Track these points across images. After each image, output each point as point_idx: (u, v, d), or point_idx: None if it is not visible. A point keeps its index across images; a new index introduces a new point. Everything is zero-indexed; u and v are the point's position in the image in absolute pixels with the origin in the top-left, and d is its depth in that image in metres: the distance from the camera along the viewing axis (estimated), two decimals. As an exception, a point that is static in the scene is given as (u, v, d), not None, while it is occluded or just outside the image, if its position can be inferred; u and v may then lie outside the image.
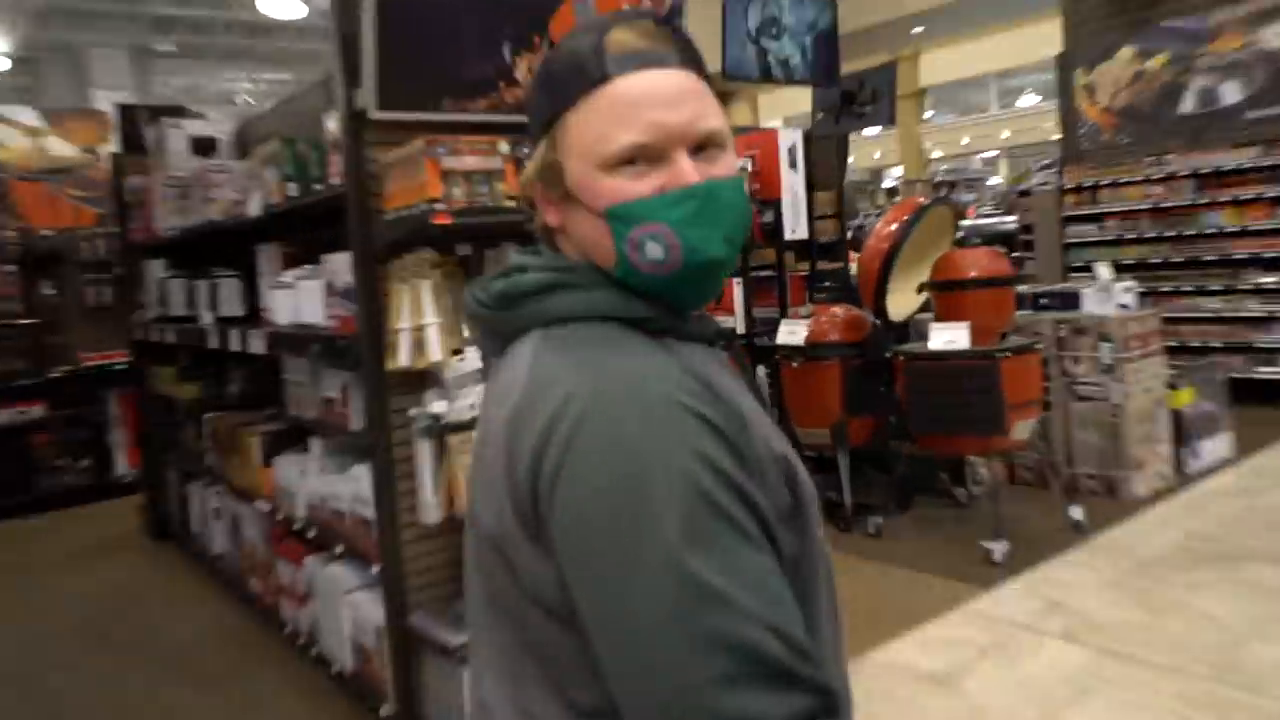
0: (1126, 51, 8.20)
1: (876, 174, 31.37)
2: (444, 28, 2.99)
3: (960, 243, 4.98)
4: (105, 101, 15.65)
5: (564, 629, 0.89)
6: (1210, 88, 7.77)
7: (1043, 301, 6.05)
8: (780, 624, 0.80)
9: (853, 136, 26.79)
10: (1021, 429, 4.80)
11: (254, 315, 4.39)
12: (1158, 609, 3.96)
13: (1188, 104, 7.89)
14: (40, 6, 14.34)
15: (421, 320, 2.86)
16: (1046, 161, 8.91)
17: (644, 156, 0.94)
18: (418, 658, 3.13)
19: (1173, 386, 5.82)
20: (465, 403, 2.95)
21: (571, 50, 0.99)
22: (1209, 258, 7.79)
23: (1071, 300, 5.87)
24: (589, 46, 0.96)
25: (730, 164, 1.00)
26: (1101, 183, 8.25)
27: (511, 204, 2.84)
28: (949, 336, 4.75)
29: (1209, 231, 7.76)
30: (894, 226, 5.03)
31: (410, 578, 3.05)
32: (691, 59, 0.99)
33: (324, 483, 3.70)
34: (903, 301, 5.19)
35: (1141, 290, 8.30)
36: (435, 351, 2.86)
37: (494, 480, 0.94)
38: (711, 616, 0.78)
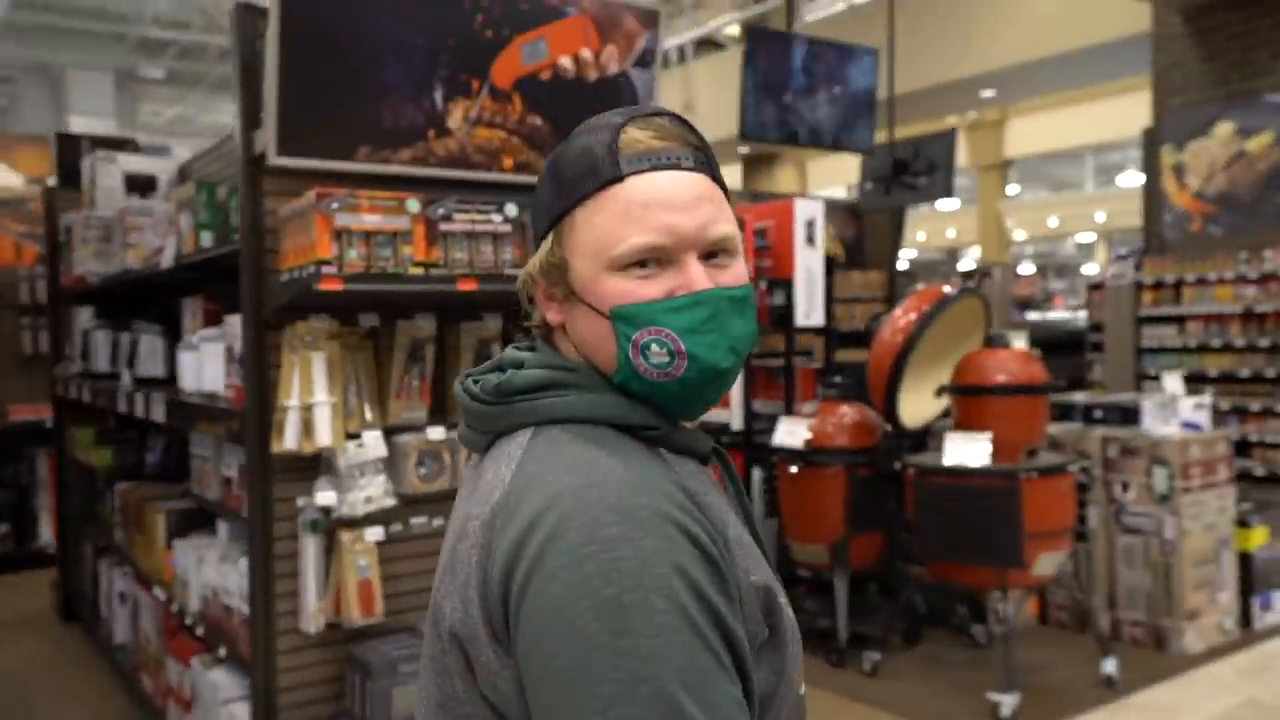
0: (1225, 128, 8.19)
1: (952, 254, 31.37)
2: (364, 65, 2.97)
3: (996, 340, 4.94)
4: (81, 128, 16.17)
5: None
6: (1315, 177, 7.75)
7: (1095, 414, 6.00)
8: None
9: (926, 210, 26.96)
10: (1046, 563, 4.73)
11: (173, 377, 4.44)
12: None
13: (1290, 194, 7.88)
14: (18, 19, 14.73)
15: (310, 399, 2.86)
16: (1124, 251, 8.88)
17: (655, 259, 1.00)
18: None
19: (1243, 524, 5.71)
20: (361, 495, 2.95)
21: (585, 147, 1.05)
22: None
23: (1131, 415, 5.81)
24: (603, 144, 1.03)
25: (740, 272, 1.06)
26: (1186, 279, 8.20)
27: (419, 271, 2.83)
28: (967, 450, 4.73)
29: (1307, 343, 7.67)
30: (911, 318, 5.03)
31: (282, 694, 3.03)
32: (707, 161, 1.07)
33: (218, 573, 3.70)
34: (920, 405, 5.16)
35: (1223, 408, 8.22)
36: (324, 435, 2.86)
37: (466, 577, 0.98)
38: None
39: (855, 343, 8.72)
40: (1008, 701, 4.55)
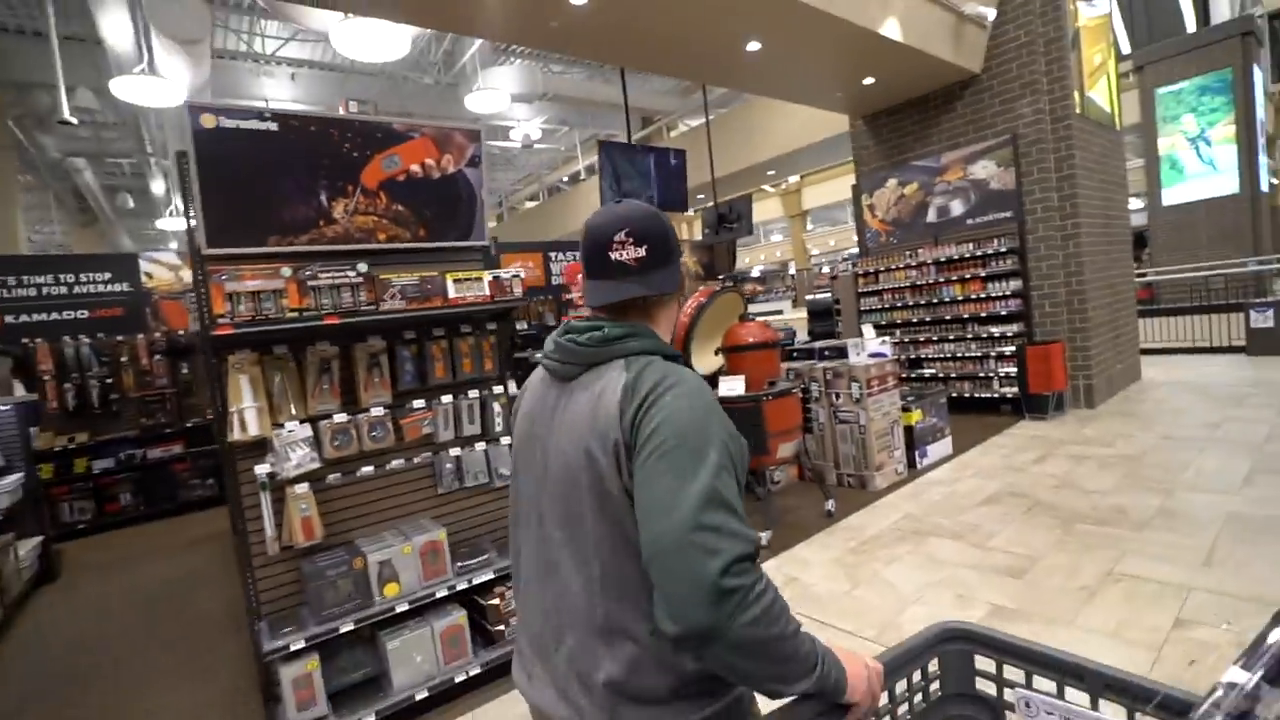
0: (892, 182, 7.74)
1: (784, 265, 30.88)
2: (264, 183, 2.48)
3: (746, 318, 4.49)
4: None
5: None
6: (944, 205, 7.28)
7: (825, 354, 5.57)
8: (741, 514, 0.89)
9: (767, 242, 26.21)
10: (786, 448, 4.30)
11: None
12: (858, 580, 3.45)
13: (931, 215, 7.41)
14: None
15: (241, 404, 2.38)
16: (847, 255, 8.43)
17: None
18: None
19: (906, 409, 5.30)
20: (291, 463, 2.50)
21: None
22: (947, 317, 7.25)
23: (842, 353, 5.39)
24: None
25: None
26: (880, 269, 7.76)
27: (294, 314, 2.34)
28: (731, 385, 4.28)
29: (946, 300, 7.24)
30: (693, 307, 4.58)
31: (261, 591, 2.59)
32: None
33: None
34: (709, 361, 4.75)
35: (905, 342, 7.84)
36: (254, 428, 2.38)
37: (606, 426, 0.95)
38: (716, 505, 0.86)
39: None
40: (765, 536, 4.15)
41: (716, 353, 4.58)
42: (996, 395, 6.81)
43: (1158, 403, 6.53)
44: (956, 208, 7.14)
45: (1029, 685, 0.94)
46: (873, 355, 5.56)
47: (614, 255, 1.02)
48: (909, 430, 5.25)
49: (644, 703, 0.93)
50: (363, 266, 2.53)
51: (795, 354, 5.77)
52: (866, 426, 4.89)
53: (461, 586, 2.83)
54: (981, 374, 6.94)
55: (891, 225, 7.79)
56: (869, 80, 6.66)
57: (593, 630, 0.96)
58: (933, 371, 7.32)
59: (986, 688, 1.02)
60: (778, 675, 0.87)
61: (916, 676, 1.03)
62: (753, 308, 20.95)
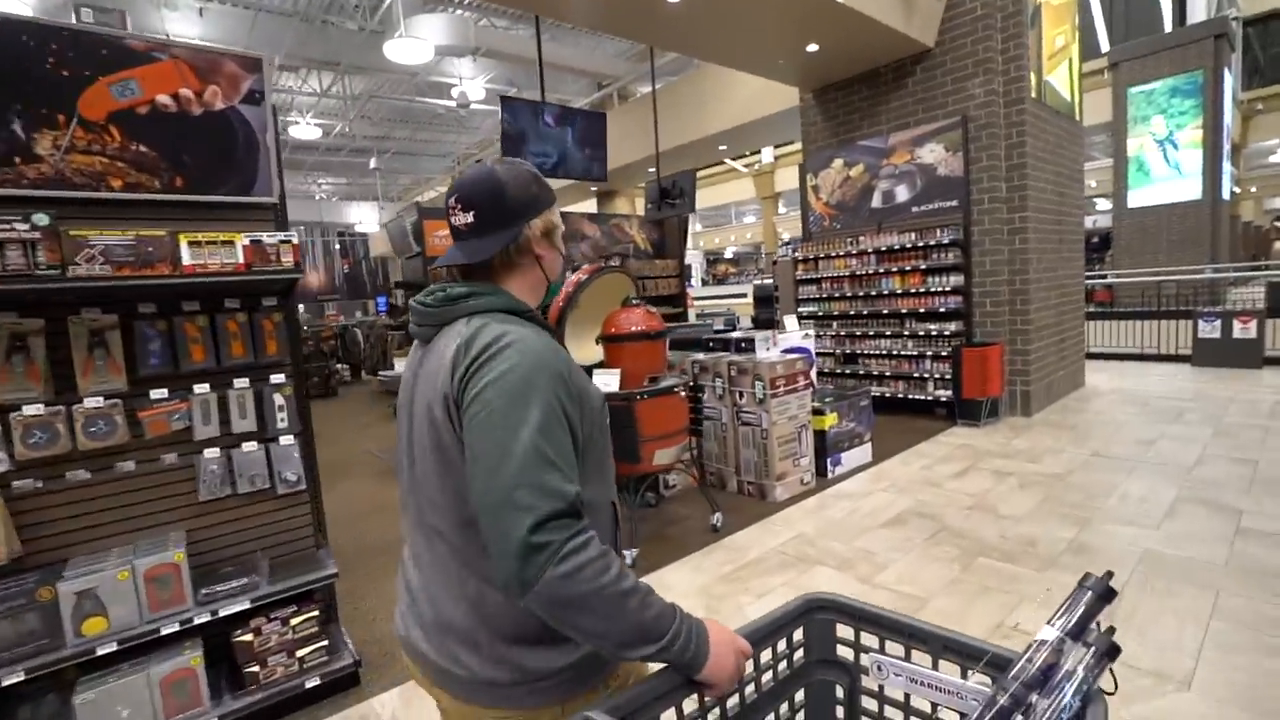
0: (838, 163, 7.21)
1: (757, 247, 30.41)
2: None
3: (628, 301, 3.92)
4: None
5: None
6: (890, 190, 6.78)
7: (741, 345, 5.05)
8: (566, 471, 0.89)
9: (740, 224, 25.73)
10: (664, 455, 3.79)
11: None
12: (718, 613, 2.96)
13: (876, 200, 6.90)
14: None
15: None
16: (786, 239, 7.89)
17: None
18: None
19: (819, 412, 4.83)
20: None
21: (535, 172, 1.11)
22: (884, 312, 6.73)
23: (750, 346, 4.88)
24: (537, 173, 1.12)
25: None
26: (820, 256, 7.25)
27: None
28: (606, 380, 3.75)
29: (885, 293, 6.74)
30: (571, 285, 4.01)
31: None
32: None
33: None
34: (589, 350, 4.20)
35: (839, 334, 7.38)
36: None
37: (439, 381, 0.97)
38: (537, 463, 0.87)
39: (661, 303, 8.63)
40: (629, 554, 3.65)
41: (597, 341, 4.02)
42: (930, 398, 6.39)
43: (1096, 414, 6.16)
44: (902, 193, 6.65)
45: (882, 649, 1.03)
46: (791, 350, 5.06)
47: (452, 219, 1.07)
48: (821, 436, 4.78)
49: (519, 644, 0.98)
50: (42, 218, 1.91)
51: (711, 344, 5.25)
52: (769, 431, 4.40)
53: (202, 619, 2.27)
54: (916, 374, 6.51)
55: (835, 209, 7.28)
56: (813, 47, 6.08)
57: (456, 586, 1.01)
58: (867, 369, 6.87)
59: (846, 654, 1.10)
60: (609, 635, 0.88)
61: (782, 645, 1.09)
62: (719, 289, 20.31)
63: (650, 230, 9.93)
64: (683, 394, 3.83)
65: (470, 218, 1.04)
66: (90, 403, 2.22)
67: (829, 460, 4.81)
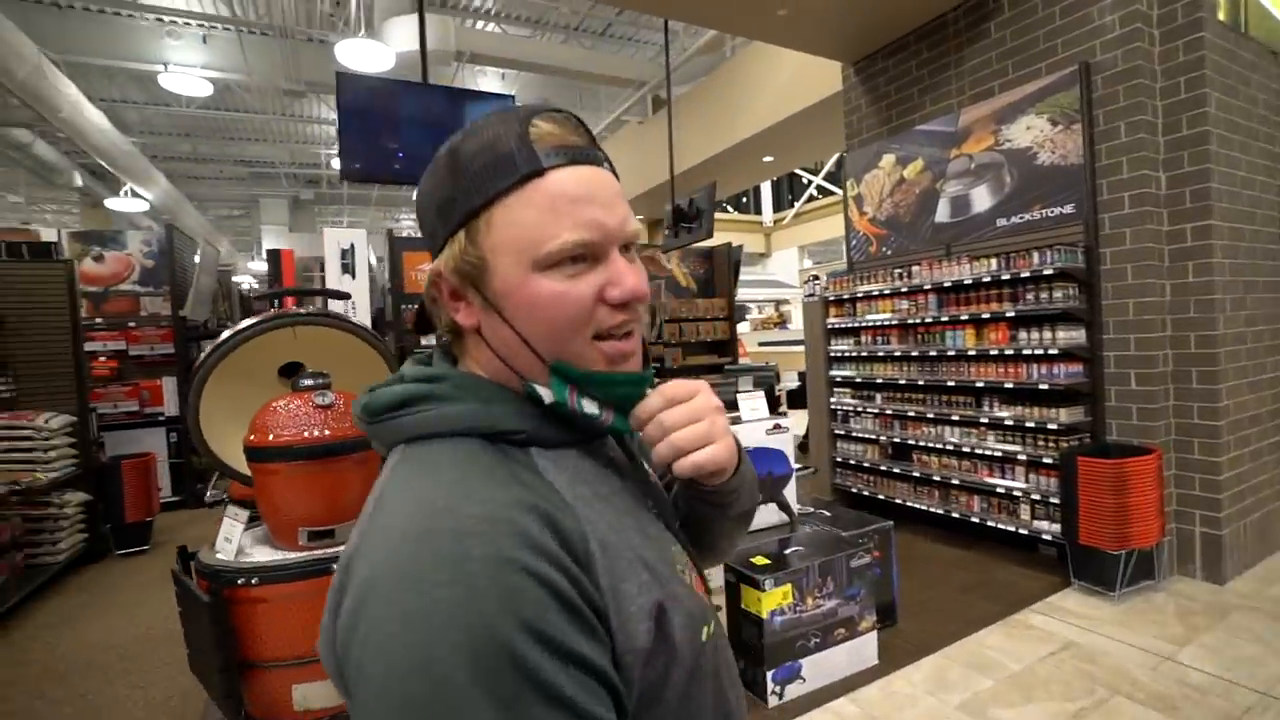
0: (888, 159, 4.86)
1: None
2: None
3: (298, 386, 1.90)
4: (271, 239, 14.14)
5: None
6: (962, 195, 4.33)
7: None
8: None
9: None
10: (304, 694, 1.71)
11: None
12: None
13: (941, 212, 4.46)
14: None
15: None
16: (816, 272, 5.52)
17: (583, 255, 0.53)
18: None
19: (749, 582, 2.49)
20: None
21: (493, 138, 0.53)
22: (950, 383, 4.16)
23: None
24: (513, 135, 0.53)
25: (641, 266, 0.57)
26: (857, 296, 4.86)
27: None
28: (227, 532, 1.74)
29: (950, 352, 4.20)
30: (223, 338, 2.06)
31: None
32: (608, 159, 0.57)
33: None
34: (243, 464, 2.23)
35: (884, 413, 4.87)
36: None
37: (331, 617, 0.51)
38: None
39: (706, 351, 7.43)
40: None
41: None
42: (1025, 531, 3.77)
43: (1356, 589, 3.26)
44: (981, 198, 4.20)
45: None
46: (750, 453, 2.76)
47: None
48: (755, 626, 2.45)
49: None
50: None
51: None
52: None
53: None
54: (1001, 488, 3.92)
55: (884, 228, 4.91)
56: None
57: None
58: (925, 471, 4.34)
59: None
60: None
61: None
62: (778, 333, 16.19)
63: (697, 263, 8.02)
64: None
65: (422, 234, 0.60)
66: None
67: (771, 676, 2.44)
